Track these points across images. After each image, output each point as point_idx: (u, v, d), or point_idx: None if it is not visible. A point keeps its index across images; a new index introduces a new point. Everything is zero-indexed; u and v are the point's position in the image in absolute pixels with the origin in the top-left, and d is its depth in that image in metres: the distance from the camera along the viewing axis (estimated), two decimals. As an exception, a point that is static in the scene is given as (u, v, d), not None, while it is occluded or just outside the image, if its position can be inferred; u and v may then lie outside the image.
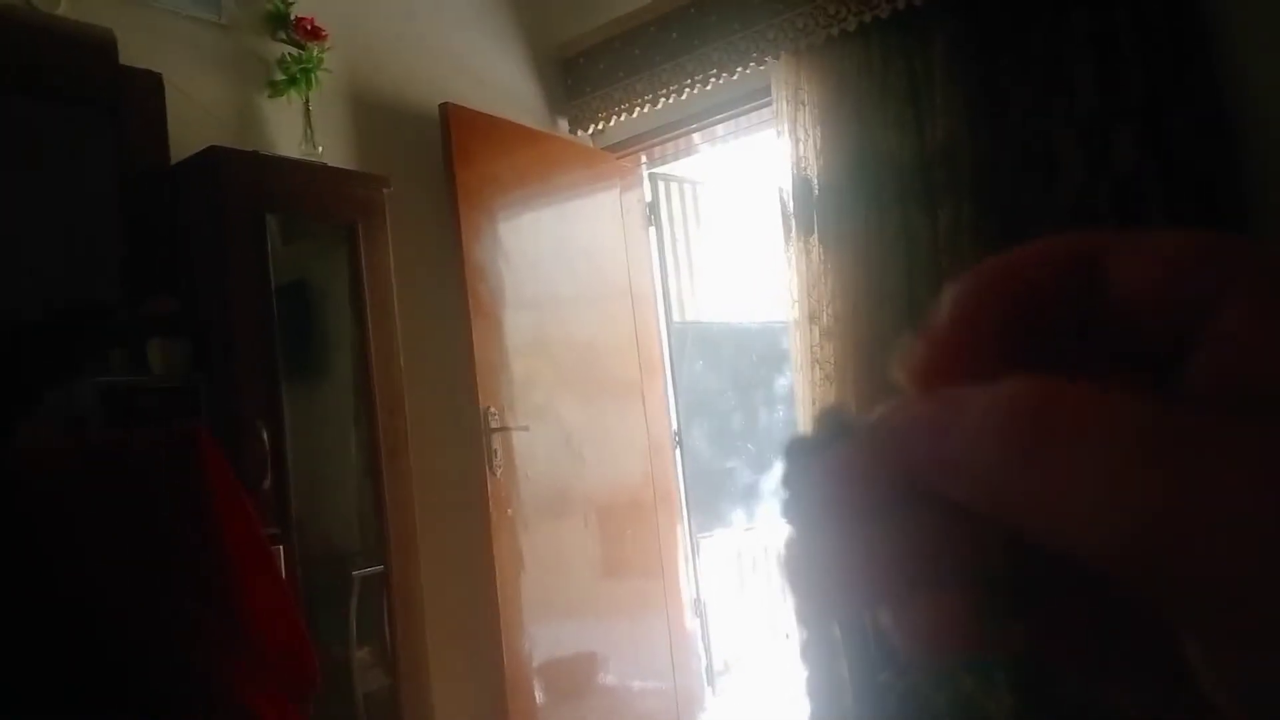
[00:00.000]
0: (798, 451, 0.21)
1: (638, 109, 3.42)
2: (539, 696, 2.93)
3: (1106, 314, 0.19)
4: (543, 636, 2.97)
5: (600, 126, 3.56)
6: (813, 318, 2.94)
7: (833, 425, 0.20)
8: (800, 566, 0.19)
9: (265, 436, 2.25)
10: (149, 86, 2.41)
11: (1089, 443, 0.16)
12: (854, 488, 0.19)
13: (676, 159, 3.78)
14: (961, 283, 0.20)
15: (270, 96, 2.73)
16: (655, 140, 3.55)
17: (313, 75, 2.72)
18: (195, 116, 2.51)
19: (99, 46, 2.31)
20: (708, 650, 3.69)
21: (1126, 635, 0.19)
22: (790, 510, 0.20)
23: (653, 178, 3.83)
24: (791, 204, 3.00)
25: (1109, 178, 2.46)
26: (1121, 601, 0.18)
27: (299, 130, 2.71)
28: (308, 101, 2.72)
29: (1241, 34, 2.38)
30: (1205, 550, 0.15)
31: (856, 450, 0.19)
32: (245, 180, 2.36)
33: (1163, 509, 0.15)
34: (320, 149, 2.71)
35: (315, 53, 2.73)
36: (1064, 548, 0.16)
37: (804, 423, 2.95)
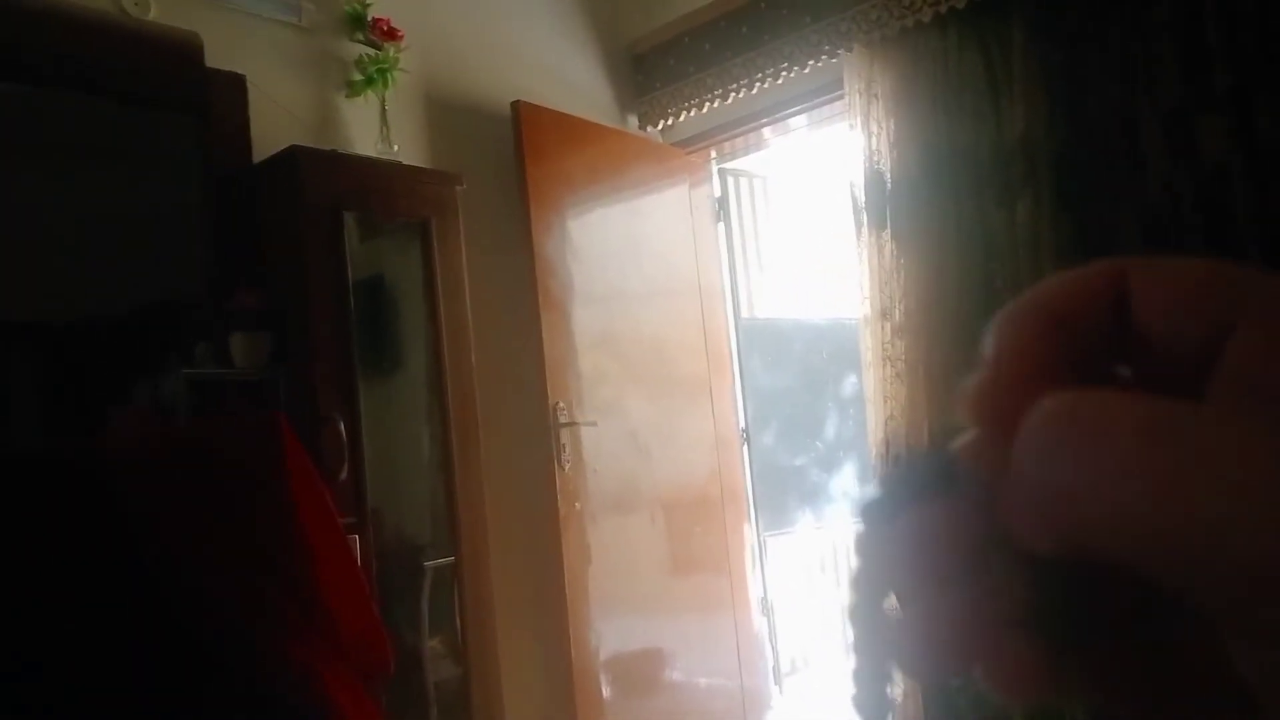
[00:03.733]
0: (876, 513, 0.21)
1: (707, 104, 3.41)
2: (606, 690, 2.95)
3: (1134, 338, 0.20)
4: (610, 631, 2.99)
5: (670, 122, 3.56)
6: (884, 314, 2.89)
7: (910, 481, 0.21)
8: (895, 634, 0.20)
9: (343, 428, 2.30)
10: (233, 88, 2.48)
11: (1121, 436, 0.16)
12: (939, 550, 0.20)
13: (746, 154, 3.75)
14: (1000, 320, 0.21)
15: (348, 96, 2.79)
16: (725, 135, 3.54)
17: (389, 75, 2.77)
18: (276, 116, 2.58)
19: (186, 50, 2.38)
20: (775, 650, 3.67)
21: (1186, 665, 0.19)
22: (869, 571, 0.21)
23: (722, 173, 3.81)
24: (863, 198, 2.95)
25: (1194, 170, 2.37)
26: (1181, 629, 0.19)
27: (375, 129, 2.77)
28: (384, 101, 2.78)
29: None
30: (1237, 532, 0.15)
31: (942, 511, 0.20)
32: (324, 179, 2.42)
33: (1190, 493, 0.15)
34: (396, 147, 2.76)
35: (391, 53, 2.78)
36: (1111, 548, 0.17)
37: (873, 422, 2.91)
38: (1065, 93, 2.57)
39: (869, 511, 0.21)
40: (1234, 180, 2.32)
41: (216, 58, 2.44)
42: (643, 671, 3.13)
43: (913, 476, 0.21)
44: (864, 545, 0.21)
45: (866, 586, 0.21)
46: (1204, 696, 0.19)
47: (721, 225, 3.77)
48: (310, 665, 1.31)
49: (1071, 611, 0.19)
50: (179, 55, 2.37)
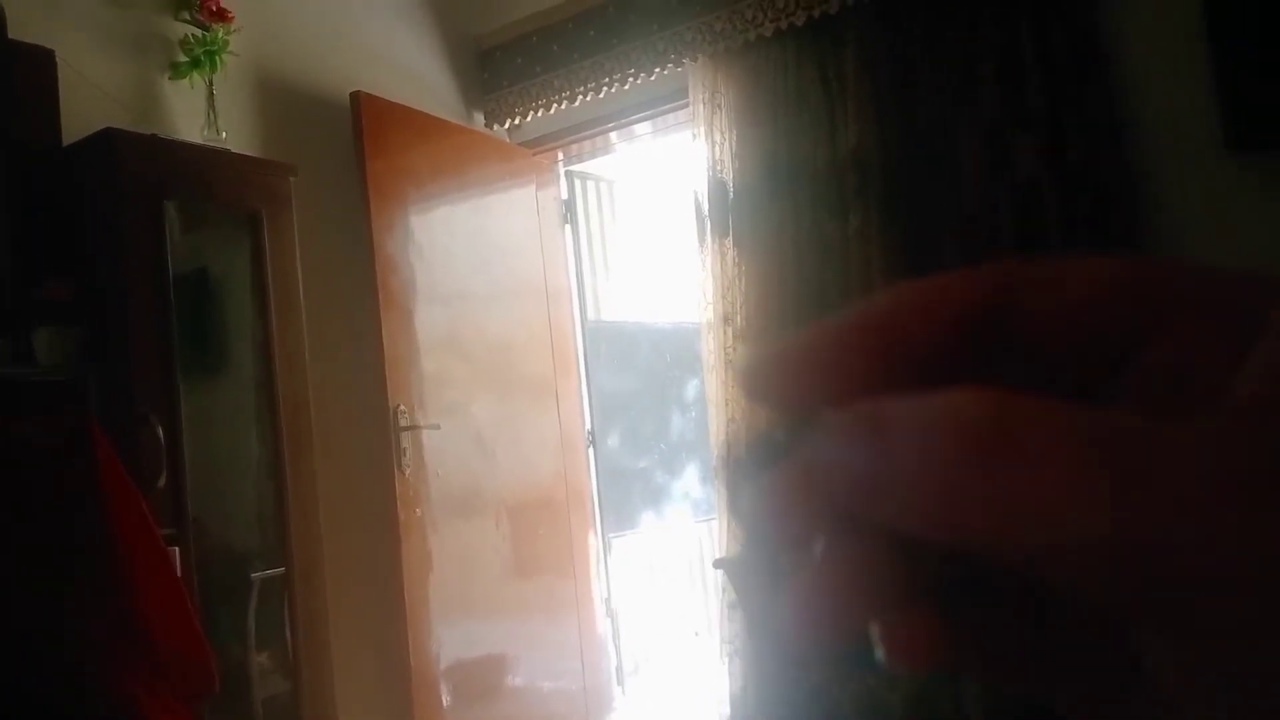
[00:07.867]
0: (739, 474, 0.20)
1: (555, 105, 3.40)
2: (446, 699, 2.88)
3: (1025, 346, 0.19)
4: (451, 638, 2.92)
5: (517, 122, 3.53)
6: (726, 319, 2.96)
7: (767, 448, 0.20)
8: (761, 594, 0.19)
9: (160, 432, 2.16)
10: (40, 63, 2.29)
11: (1051, 450, 0.15)
12: (790, 515, 0.18)
13: (593, 157, 3.76)
14: (879, 298, 0.19)
15: (171, 78, 2.63)
16: (572, 138, 3.53)
17: (217, 57, 2.62)
18: (90, 96, 2.39)
19: (-16, 19, 2.18)
20: (618, 650, 3.69)
21: (1074, 640, 0.19)
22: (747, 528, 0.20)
23: (569, 175, 3.81)
24: (706, 206, 3.02)
25: (1010, 185, 2.54)
26: (1067, 607, 0.18)
27: (201, 114, 2.62)
28: (211, 84, 2.63)
29: (1137, 55, 2.49)
30: (1180, 549, 0.14)
31: (788, 477, 0.18)
32: (143, 164, 2.27)
33: (1131, 512, 0.15)
34: (224, 134, 2.62)
35: (220, 34, 2.63)
36: (1024, 560, 0.15)
37: (715, 425, 2.98)
38: (895, 109, 2.71)
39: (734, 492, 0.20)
40: (1045, 195, 2.50)
41: (22, 29, 2.24)
42: (485, 678, 3.08)
43: (766, 452, 0.20)
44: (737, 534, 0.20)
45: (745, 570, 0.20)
46: (1095, 673, 0.19)
47: (568, 228, 3.77)
48: (127, 688, 1.22)
49: (962, 582, 0.19)
50: (-24, 24, 2.17)
